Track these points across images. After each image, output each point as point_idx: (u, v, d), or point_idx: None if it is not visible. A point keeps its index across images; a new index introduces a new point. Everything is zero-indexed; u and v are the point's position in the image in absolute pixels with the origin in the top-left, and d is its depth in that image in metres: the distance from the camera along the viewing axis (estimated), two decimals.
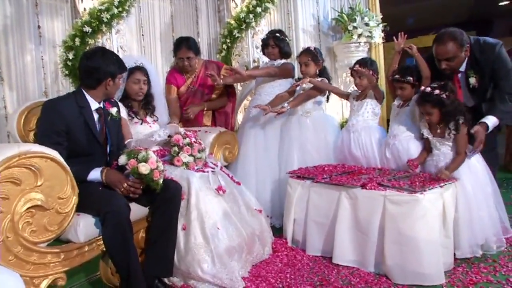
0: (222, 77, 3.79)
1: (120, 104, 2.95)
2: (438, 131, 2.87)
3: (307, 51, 3.73)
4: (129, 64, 3.01)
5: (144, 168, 2.29)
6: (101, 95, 2.52)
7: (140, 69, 3.12)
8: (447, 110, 2.75)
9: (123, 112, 2.89)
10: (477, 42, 3.02)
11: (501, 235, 2.88)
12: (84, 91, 2.48)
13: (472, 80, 3.03)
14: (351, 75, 3.51)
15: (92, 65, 2.44)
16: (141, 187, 2.39)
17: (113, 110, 2.60)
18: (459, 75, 3.11)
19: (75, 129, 2.38)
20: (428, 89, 2.80)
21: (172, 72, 3.93)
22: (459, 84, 3.12)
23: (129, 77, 3.07)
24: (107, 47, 3.53)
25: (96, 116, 2.49)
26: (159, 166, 2.37)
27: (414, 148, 3.05)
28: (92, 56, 2.48)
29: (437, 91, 2.76)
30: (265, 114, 3.57)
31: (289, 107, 3.57)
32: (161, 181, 2.39)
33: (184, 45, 3.71)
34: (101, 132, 2.50)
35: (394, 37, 3.20)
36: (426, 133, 2.92)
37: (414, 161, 2.95)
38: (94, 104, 2.49)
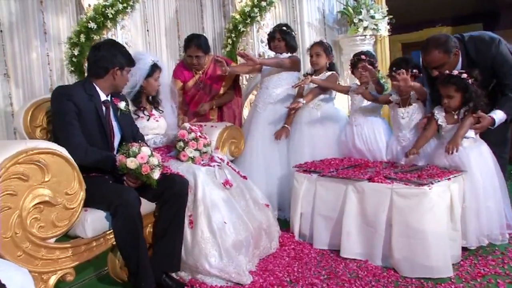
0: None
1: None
2: (455, 117, 2.81)
3: (319, 42, 3.74)
4: (146, 61, 3.00)
5: (132, 164, 2.25)
6: (108, 86, 2.51)
7: (159, 66, 3.09)
8: (470, 96, 2.70)
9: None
10: (472, 42, 2.94)
11: (505, 229, 2.83)
12: (92, 81, 2.48)
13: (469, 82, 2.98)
14: (352, 67, 3.48)
15: (100, 54, 2.45)
16: (136, 182, 2.37)
17: (122, 105, 2.59)
18: None
19: (86, 116, 2.38)
20: (455, 72, 2.75)
21: (180, 67, 3.91)
22: None
23: (152, 75, 3.03)
24: None
25: (103, 108, 2.49)
26: (151, 160, 2.30)
27: None
28: (101, 46, 2.50)
29: (464, 75, 2.71)
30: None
31: (304, 102, 3.56)
32: (154, 175, 2.31)
33: (194, 44, 3.68)
34: (107, 126, 2.49)
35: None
36: (441, 120, 2.85)
37: (413, 149, 2.87)
38: (102, 96, 2.49)
